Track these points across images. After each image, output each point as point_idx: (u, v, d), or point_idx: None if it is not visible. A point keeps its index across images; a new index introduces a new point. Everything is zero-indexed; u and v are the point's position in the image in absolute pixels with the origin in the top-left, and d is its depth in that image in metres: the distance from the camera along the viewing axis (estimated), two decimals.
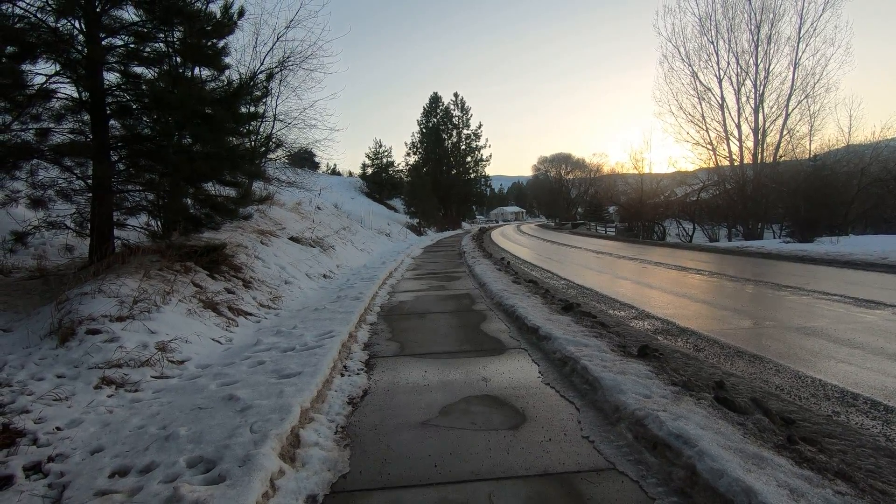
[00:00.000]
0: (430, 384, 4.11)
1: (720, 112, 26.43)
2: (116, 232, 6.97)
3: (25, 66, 6.08)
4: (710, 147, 27.26)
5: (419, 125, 48.96)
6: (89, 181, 6.58)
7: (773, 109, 25.26)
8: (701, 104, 26.94)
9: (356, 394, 3.94)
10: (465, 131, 49.62)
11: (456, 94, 49.53)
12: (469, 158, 50.00)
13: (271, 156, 14.82)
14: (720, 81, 26.13)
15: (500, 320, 6.50)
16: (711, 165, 27.99)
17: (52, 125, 6.32)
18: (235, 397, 3.44)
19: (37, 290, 6.18)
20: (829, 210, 20.18)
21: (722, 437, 2.61)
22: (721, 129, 26.65)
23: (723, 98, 26.29)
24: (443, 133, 48.73)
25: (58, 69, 6.37)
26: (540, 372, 4.34)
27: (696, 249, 18.51)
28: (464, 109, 49.46)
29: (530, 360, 4.70)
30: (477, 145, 49.96)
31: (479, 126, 49.99)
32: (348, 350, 5.11)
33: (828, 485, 2.21)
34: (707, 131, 27.06)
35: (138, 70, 6.94)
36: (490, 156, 54.38)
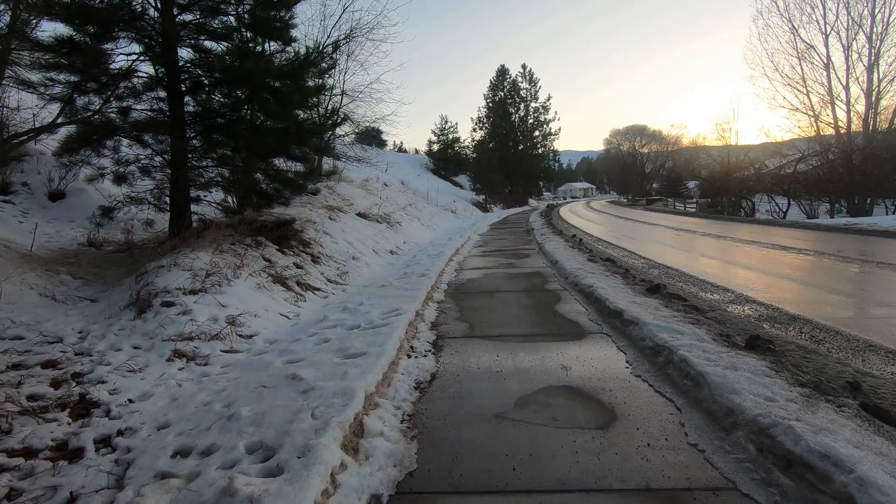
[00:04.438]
0: (502, 370, 3.76)
1: (824, 73, 23.38)
2: (193, 207, 7.15)
3: (106, 47, 6.26)
4: (810, 113, 24.29)
5: (486, 99, 47.88)
6: (167, 157, 6.76)
7: (892, 68, 21.95)
8: (801, 65, 23.98)
9: (423, 378, 3.67)
10: (532, 104, 47.88)
11: (524, 66, 47.83)
12: (537, 133, 48.29)
13: (338, 131, 14.86)
14: (826, 37, 23.04)
15: (577, 301, 5.99)
16: (812, 134, 24.97)
17: (131, 102, 6.50)
18: (299, 377, 3.27)
19: (123, 263, 6.48)
20: None
21: (885, 459, 2.04)
22: (825, 92, 23.62)
23: (828, 57, 23.19)
24: (510, 107, 47.30)
25: (140, 50, 6.50)
26: (628, 361, 3.85)
27: (793, 227, 16.61)
28: (532, 81, 47.66)
29: (615, 348, 4.20)
30: (545, 119, 48.08)
31: (548, 98, 47.96)
32: (415, 329, 4.86)
33: None
34: (808, 95, 24.11)
35: (209, 45, 6.97)
36: (559, 129, 51.90)
